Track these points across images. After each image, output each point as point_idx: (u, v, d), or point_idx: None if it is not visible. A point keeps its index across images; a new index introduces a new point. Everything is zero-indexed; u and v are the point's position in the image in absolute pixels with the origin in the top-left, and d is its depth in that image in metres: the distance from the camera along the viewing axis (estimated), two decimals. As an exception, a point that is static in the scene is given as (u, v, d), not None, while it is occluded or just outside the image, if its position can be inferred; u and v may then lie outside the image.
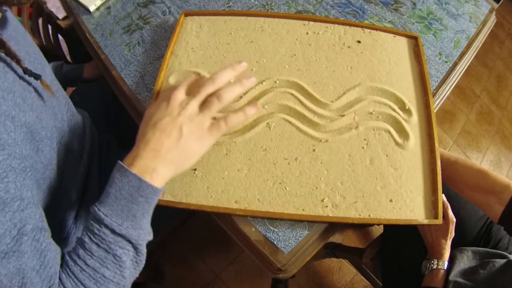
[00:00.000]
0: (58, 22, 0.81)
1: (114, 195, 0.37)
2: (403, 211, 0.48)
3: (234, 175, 0.50)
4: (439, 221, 0.48)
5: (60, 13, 0.99)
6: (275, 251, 0.48)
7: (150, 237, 0.40)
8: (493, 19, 0.75)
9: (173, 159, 0.39)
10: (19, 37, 0.43)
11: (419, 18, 0.69)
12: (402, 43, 0.62)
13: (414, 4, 0.71)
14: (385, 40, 0.62)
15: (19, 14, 0.84)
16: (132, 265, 0.39)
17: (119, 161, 0.38)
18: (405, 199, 0.49)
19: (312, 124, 0.54)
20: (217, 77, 0.42)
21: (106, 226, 0.37)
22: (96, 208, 0.37)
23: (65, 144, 0.49)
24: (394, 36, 0.63)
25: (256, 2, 0.69)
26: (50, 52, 0.88)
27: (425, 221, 0.48)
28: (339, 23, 0.63)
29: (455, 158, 0.60)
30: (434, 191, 0.50)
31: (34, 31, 0.86)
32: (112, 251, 0.37)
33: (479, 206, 0.58)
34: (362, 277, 1.14)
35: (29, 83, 0.40)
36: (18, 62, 0.37)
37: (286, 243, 0.48)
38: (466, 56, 0.67)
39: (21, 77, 0.38)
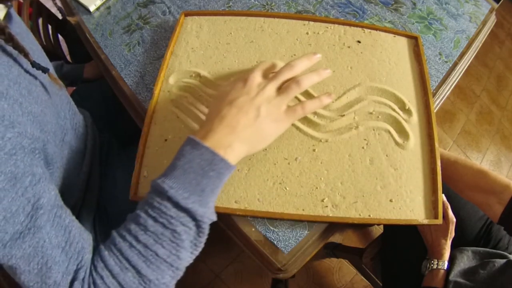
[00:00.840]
0: (68, 18, 0.81)
1: (183, 167, 0.34)
2: (403, 211, 0.48)
3: (234, 175, 0.50)
4: (439, 221, 0.48)
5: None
6: (275, 251, 0.48)
7: (215, 217, 0.37)
8: (493, 19, 0.75)
9: (249, 137, 0.38)
10: (23, 34, 0.43)
11: (419, 18, 0.69)
12: (402, 43, 0.62)
13: (414, 4, 0.71)
14: (385, 40, 0.62)
15: (19, 14, 0.84)
16: (190, 247, 0.35)
17: (190, 135, 0.36)
18: (405, 199, 0.49)
19: (312, 124, 0.54)
20: (295, 64, 0.42)
21: (169, 199, 0.33)
22: (159, 181, 0.34)
23: (68, 142, 0.49)
24: (394, 36, 0.63)
25: (256, 2, 0.69)
26: (50, 52, 0.88)
27: (425, 221, 0.48)
28: (339, 23, 0.63)
29: (455, 158, 0.60)
30: (434, 191, 0.50)
31: (34, 31, 0.86)
32: (172, 227, 0.33)
33: (479, 206, 0.59)
34: (362, 277, 1.14)
35: (35, 77, 0.39)
36: (26, 55, 0.36)
37: (286, 243, 0.48)
38: (466, 56, 0.67)
39: (27, 71, 0.38)
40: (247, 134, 0.37)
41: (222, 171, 0.35)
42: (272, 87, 0.40)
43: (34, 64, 0.37)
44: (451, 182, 0.61)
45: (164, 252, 0.34)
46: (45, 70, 0.38)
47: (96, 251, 0.36)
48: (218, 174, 0.35)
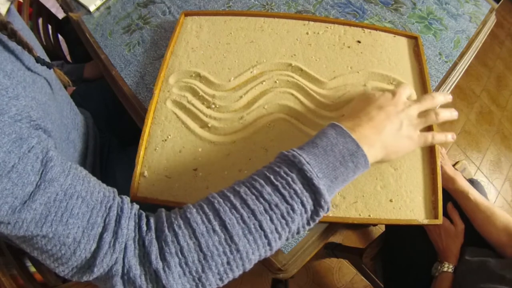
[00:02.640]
0: (70, 14, 0.81)
1: (324, 148, 0.33)
2: (403, 211, 0.48)
3: (234, 175, 0.50)
4: (439, 221, 0.48)
5: (60, 13, 0.99)
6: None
7: (329, 204, 0.33)
8: (493, 19, 0.75)
9: (388, 144, 0.39)
10: (25, 31, 0.43)
11: (419, 18, 0.69)
12: (402, 43, 0.62)
13: (414, 4, 0.71)
14: (385, 40, 0.62)
15: (19, 14, 0.84)
16: (293, 232, 0.32)
17: (335, 122, 0.37)
18: (405, 199, 0.49)
19: (312, 124, 0.54)
20: (436, 96, 0.45)
21: (302, 172, 0.31)
22: (295, 152, 0.32)
23: (72, 141, 0.48)
24: (394, 36, 0.63)
25: (256, 2, 0.69)
26: (50, 52, 0.88)
27: (425, 221, 0.48)
28: (339, 23, 0.63)
29: (491, 212, 0.67)
30: (434, 191, 0.50)
31: (34, 31, 0.86)
32: (291, 202, 0.30)
33: (495, 247, 0.66)
34: (362, 277, 1.14)
35: (39, 74, 0.38)
36: (30, 51, 0.35)
37: (286, 243, 0.48)
38: (466, 56, 0.67)
39: (29, 69, 0.36)
40: (388, 141, 0.39)
41: (359, 166, 0.35)
42: (416, 109, 0.42)
43: (39, 60, 0.36)
44: (478, 227, 0.69)
45: (269, 226, 0.30)
46: (50, 66, 0.38)
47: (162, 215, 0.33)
48: (356, 167, 0.34)
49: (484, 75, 1.82)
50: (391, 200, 0.49)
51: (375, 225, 1.23)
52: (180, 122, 0.54)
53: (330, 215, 0.48)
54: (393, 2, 0.71)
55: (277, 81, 0.57)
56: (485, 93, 1.76)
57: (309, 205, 0.31)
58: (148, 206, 0.49)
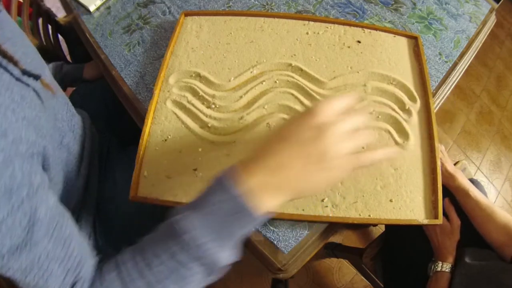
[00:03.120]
0: (57, 19, 0.81)
1: (210, 208, 0.32)
2: (403, 211, 0.48)
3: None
4: (439, 221, 0.48)
5: (60, 13, 0.99)
6: (275, 251, 0.48)
7: (232, 259, 0.35)
8: (493, 19, 0.75)
9: (295, 186, 0.33)
10: (16, 38, 0.42)
11: (419, 18, 0.69)
12: (402, 43, 0.62)
13: (414, 4, 0.71)
14: (385, 40, 0.62)
15: (19, 14, 0.84)
16: (199, 283, 0.35)
17: (225, 174, 0.33)
18: (405, 199, 0.49)
19: (312, 124, 0.54)
20: (332, 105, 0.35)
21: (192, 240, 0.32)
22: (183, 216, 0.33)
23: (66, 145, 0.48)
24: (394, 36, 0.63)
25: (256, 2, 0.69)
26: (50, 52, 0.88)
27: (425, 221, 0.48)
28: (339, 23, 0.63)
29: (491, 211, 0.67)
30: (434, 191, 0.50)
31: (34, 31, 0.86)
32: (188, 266, 0.33)
33: (494, 248, 0.66)
34: (362, 277, 1.14)
35: (27, 85, 0.39)
36: (15, 64, 0.36)
37: (286, 243, 0.48)
38: (466, 56, 0.67)
39: (18, 79, 0.37)
40: (290, 182, 0.33)
41: (251, 223, 0.33)
42: (332, 135, 0.33)
43: (25, 72, 0.36)
44: (477, 226, 0.69)
45: (173, 286, 0.33)
46: (37, 77, 0.38)
47: (99, 269, 0.36)
48: (245, 226, 0.33)
49: (484, 75, 1.82)
50: (391, 200, 0.49)
51: (375, 225, 1.23)
52: (180, 122, 0.54)
53: (330, 215, 0.48)
54: (393, 2, 0.71)
55: (277, 81, 0.57)
56: (485, 93, 1.76)
57: (206, 265, 0.33)
58: (148, 206, 0.49)
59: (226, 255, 0.33)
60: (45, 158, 0.38)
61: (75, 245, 0.34)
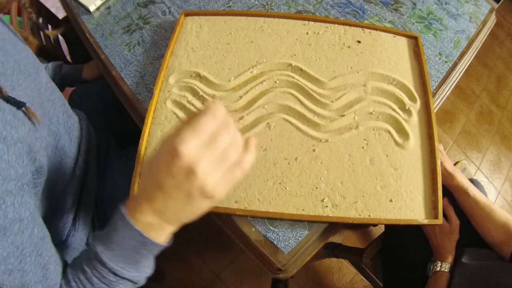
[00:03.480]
0: (47, 32, 0.82)
1: (117, 243, 0.37)
2: (403, 211, 0.48)
3: (234, 175, 0.50)
4: (439, 221, 0.48)
5: (60, 13, 0.99)
6: (275, 251, 0.48)
7: (150, 271, 0.41)
8: (493, 19, 0.75)
9: (182, 217, 0.36)
10: (8, 46, 0.42)
11: (419, 18, 0.69)
12: (402, 43, 0.62)
13: (414, 4, 0.71)
14: (385, 40, 0.62)
15: (19, 14, 0.84)
16: None
17: (122, 208, 0.36)
18: (405, 199, 0.49)
19: (312, 124, 0.54)
20: (209, 119, 0.33)
21: (110, 270, 0.38)
22: (97, 250, 0.37)
23: (61, 148, 0.48)
24: (394, 36, 0.63)
25: (256, 2, 0.69)
26: (50, 52, 0.88)
27: (425, 221, 0.48)
28: (339, 23, 0.63)
29: (490, 210, 0.67)
30: (434, 191, 0.50)
31: (34, 31, 0.86)
32: (113, 285, 0.39)
33: (493, 247, 0.66)
34: (362, 277, 1.14)
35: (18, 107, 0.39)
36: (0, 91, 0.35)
37: (286, 243, 0.48)
38: (466, 56, 0.67)
39: (7, 101, 0.37)
40: (179, 217, 0.36)
41: (154, 250, 0.38)
42: (204, 168, 0.31)
43: (9, 100, 0.36)
44: (476, 225, 0.70)
45: None
46: (20, 106, 0.37)
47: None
48: (151, 252, 0.38)
49: (484, 75, 1.82)
50: (391, 200, 0.49)
51: (375, 225, 1.23)
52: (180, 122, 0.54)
53: (330, 215, 0.48)
54: (393, 2, 0.71)
55: (277, 81, 0.57)
56: (485, 93, 1.76)
57: (129, 284, 0.39)
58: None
59: (143, 272, 0.40)
60: (37, 169, 0.40)
61: (52, 269, 0.39)
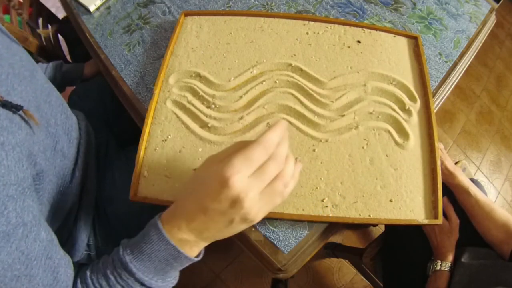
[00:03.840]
0: (38, 31, 0.83)
1: (149, 255, 0.37)
2: (403, 211, 0.48)
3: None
4: (439, 221, 0.48)
5: (60, 13, 0.99)
6: (275, 251, 0.48)
7: (176, 281, 0.41)
8: (493, 19, 0.75)
9: (217, 236, 0.37)
10: (2, 51, 0.41)
11: (419, 18, 0.69)
12: (402, 43, 0.62)
13: (414, 4, 0.71)
14: (385, 40, 0.62)
15: (19, 14, 0.84)
16: None
17: (157, 221, 0.36)
18: (405, 199, 0.49)
19: (312, 124, 0.54)
20: (269, 144, 0.34)
21: (137, 280, 0.37)
22: (126, 260, 0.37)
23: (60, 150, 0.48)
24: (394, 36, 0.63)
25: (256, 2, 0.69)
26: (50, 52, 0.88)
27: (425, 221, 0.48)
28: (339, 23, 0.63)
29: (490, 209, 0.68)
30: (434, 191, 0.50)
31: (34, 31, 0.86)
32: None
33: (493, 246, 0.67)
34: (362, 277, 1.14)
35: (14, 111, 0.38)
36: None
37: (286, 243, 0.48)
38: (466, 56, 0.67)
39: (3, 106, 0.36)
40: (215, 236, 0.37)
41: (185, 264, 0.38)
42: (252, 198, 0.32)
43: (6, 104, 0.36)
44: (476, 224, 0.70)
45: None
46: (17, 109, 0.37)
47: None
48: (182, 265, 0.38)
49: (484, 75, 1.82)
50: (391, 200, 0.49)
51: (375, 225, 1.23)
52: (180, 122, 0.54)
53: (330, 215, 0.48)
54: (393, 2, 0.71)
55: (277, 81, 0.57)
56: (485, 93, 1.76)
57: None
58: (148, 206, 0.49)
59: (169, 282, 0.40)
60: (38, 173, 0.39)
61: (63, 272, 0.38)
